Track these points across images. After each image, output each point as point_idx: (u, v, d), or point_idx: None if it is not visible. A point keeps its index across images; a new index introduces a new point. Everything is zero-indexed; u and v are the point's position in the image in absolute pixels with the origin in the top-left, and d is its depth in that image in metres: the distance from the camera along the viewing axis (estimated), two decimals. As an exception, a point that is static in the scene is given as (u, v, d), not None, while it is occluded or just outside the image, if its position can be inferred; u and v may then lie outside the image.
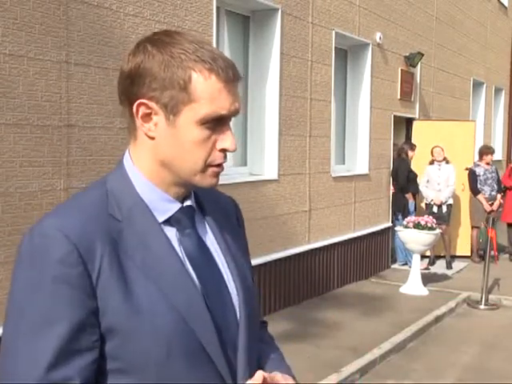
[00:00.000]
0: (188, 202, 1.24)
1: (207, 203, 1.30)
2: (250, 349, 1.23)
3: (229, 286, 1.23)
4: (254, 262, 6.10)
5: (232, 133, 1.19)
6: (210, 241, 1.26)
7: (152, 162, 1.19)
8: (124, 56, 1.21)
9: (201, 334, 1.13)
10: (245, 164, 6.66)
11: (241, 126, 6.62)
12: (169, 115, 1.14)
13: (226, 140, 1.17)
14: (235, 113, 1.18)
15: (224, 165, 1.22)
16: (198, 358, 1.14)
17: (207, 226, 1.28)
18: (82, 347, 1.06)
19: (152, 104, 1.14)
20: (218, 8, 5.84)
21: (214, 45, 5.62)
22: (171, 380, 1.12)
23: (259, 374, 1.14)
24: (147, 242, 1.15)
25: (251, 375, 1.18)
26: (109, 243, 1.11)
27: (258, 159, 6.63)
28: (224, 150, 1.18)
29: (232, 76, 1.16)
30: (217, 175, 1.20)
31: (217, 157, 1.18)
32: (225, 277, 1.24)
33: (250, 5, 6.38)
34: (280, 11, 6.47)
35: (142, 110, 1.15)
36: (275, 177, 6.57)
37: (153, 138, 1.17)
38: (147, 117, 1.16)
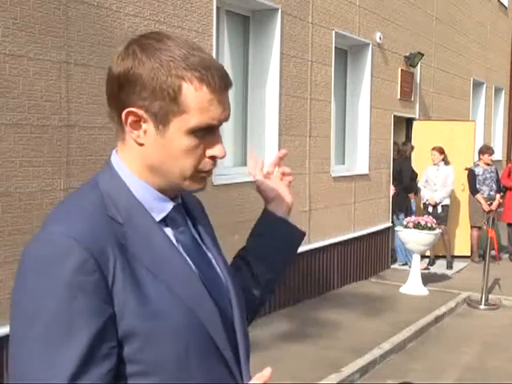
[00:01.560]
0: (177, 201, 1.25)
1: (187, 201, 1.32)
2: (245, 336, 1.27)
3: (222, 278, 1.26)
4: (254, 262, 6.10)
5: (221, 140, 1.20)
6: (199, 237, 1.29)
7: (141, 166, 1.19)
8: (113, 56, 1.19)
9: (210, 327, 1.15)
10: (245, 164, 6.65)
11: (241, 126, 6.62)
12: (158, 124, 1.13)
13: (215, 148, 1.17)
14: (225, 121, 1.18)
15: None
16: (208, 349, 1.16)
17: (193, 223, 1.30)
18: (102, 355, 1.05)
19: (141, 112, 1.13)
20: (218, 8, 5.84)
21: (214, 45, 5.62)
22: (189, 375, 1.13)
23: (267, 372, 1.12)
24: (151, 243, 1.15)
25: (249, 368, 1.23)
26: (117, 247, 1.10)
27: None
28: (213, 157, 1.18)
29: (224, 85, 1.15)
30: (205, 180, 1.22)
31: (206, 163, 1.18)
32: (217, 270, 1.27)
33: (250, 5, 6.38)
34: (280, 11, 6.47)
35: (131, 118, 1.14)
36: (275, 177, 6.55)
37: (142, 145, 1.16)
38: (136, 124, 1.15)
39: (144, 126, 1.14)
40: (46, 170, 4.12)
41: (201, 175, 1.19)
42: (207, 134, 1.16)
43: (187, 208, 1.31)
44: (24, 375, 1.03)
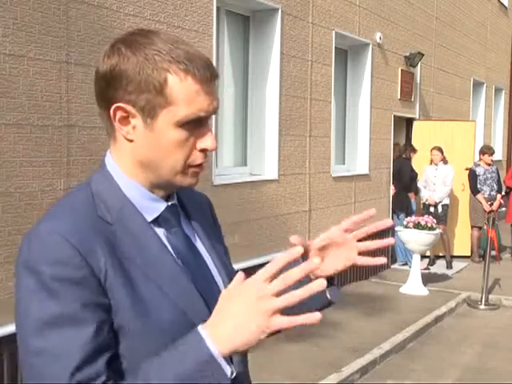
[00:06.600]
0: (172, 201, 1.24)
1: (187, 201, 1.31)
2: None
3: (217, 281, 1.25)
4: (254, 262, 6.10)
5: (211, 132, 1.19)
6: (195, 238, 1.28)
7: (132, 164, 1.19)
8: (99, 56, 1.19)
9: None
10: (245, 164, 6.65)
11: (241, 126, 6.62)
12: (146, 118, 1.14)
13: (205, 140, 1.17)
14: (213, 112, 1.17)
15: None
16: None
17: (190, 223, 1.29)
18: (105, 344, 1.06)
19: (129, 108, 1.14)
20: (218, 8, 5.84)
21: (214, 45, 5.62)
22: None
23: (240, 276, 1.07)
24: (142, 243, 1.15)
25: (245, 365, 1.22)
26: (106, 246, 1.10)
27: (258, 159, 6.62)
28: (204, 150, 1.18)
29: (209, 76, 1.14)
30: (197, 175, 1.21)
31: (197, 157, 1.17)
32: (213, 273, 1.25)
33: (250, 5, 6.38)
34: (280, 11, 6.47)
35: (120, 113, 1.15)
36: (275, 177, 6.57)
37: (131, 141, 1.17)
38: (125, 120, 1.15)
39: (133, 121, 1.15)
40: (46, 170, 4.12)
41: (192, 170, 1.18)
42: (197, 126, 1.15)
43: (185, 208, 1.30)
44: (33, 365, 1.04)
